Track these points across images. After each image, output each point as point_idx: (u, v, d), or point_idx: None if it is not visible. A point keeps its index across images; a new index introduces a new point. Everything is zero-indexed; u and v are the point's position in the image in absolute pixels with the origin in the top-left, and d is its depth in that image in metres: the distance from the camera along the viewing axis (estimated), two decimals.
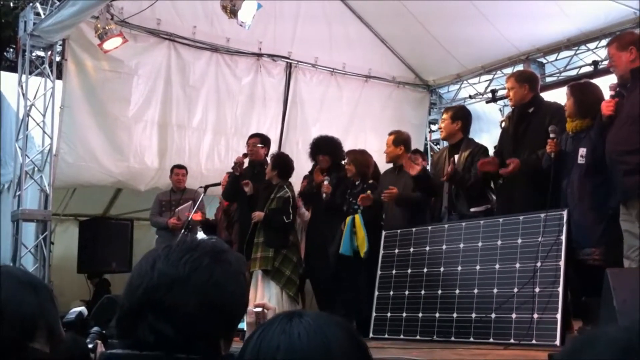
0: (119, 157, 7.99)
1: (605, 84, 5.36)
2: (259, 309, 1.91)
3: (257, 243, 6.79)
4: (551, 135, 5.19)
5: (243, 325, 1.77)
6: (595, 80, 5.82)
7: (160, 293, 1.37)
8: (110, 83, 7.91)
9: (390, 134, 6.82)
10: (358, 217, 6.60)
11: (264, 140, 7.61)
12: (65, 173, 7.59)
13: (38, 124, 7.46)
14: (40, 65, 7.61)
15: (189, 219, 7.45)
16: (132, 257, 9.36)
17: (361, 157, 7.00)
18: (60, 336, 1.82)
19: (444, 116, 6.44)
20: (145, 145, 8.20)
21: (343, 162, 7.15)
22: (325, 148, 7.35)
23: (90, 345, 2.23)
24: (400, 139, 6.73)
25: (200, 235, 7.96)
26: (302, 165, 7.77)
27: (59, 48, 7.87)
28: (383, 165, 7.28)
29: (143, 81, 8.16)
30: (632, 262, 4.52)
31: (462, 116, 6.33)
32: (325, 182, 6.96)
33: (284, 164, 7.04)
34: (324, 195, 6.94)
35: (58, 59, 8.06)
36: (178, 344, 1.34)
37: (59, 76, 7.79)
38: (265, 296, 6.60)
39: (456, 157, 6.15)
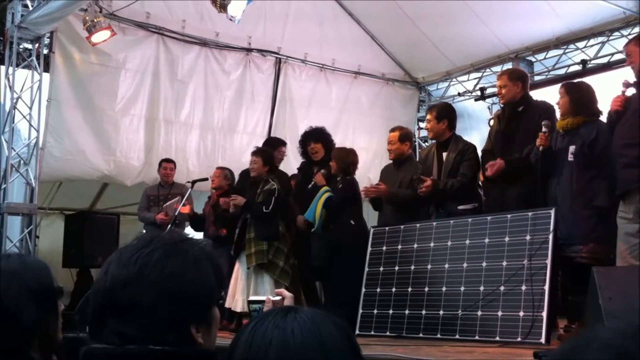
0: (105, 152, 7.92)
1: (592, 83, 5.40)
2: (278, 298, 1.89)
3: (248, 239, 6.71)
4: (543, 129, 5.20)
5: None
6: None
7: (115, 296, 1.36)
8: (98, 76, 7.84)
9: (393, 130, 6.80)
10: (326, 195, 6.67)
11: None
12: (51, 166, 7.53)
13: (25, 117, 7.37)
14: (28, 57, 7.53)
15: (177, 211, 7.40)
16: None
17: (343, 154, 6.98)
18: (56, 343, 1.82)
19: (428, 117, 6.40)
20: (132, 140, 8.13)
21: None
22: (319, 136, 7.30)
23: None
24: (405, 136, 6.78)
25: (188, 230, 7.91)
26: (290, 161, 7.74)
27: (46, 40, 7.78)
28: (369, 162, 7.27)
29: (131, 75, 8.09)
30: (627, 260, 4.50)
31: (446, 114, 6.30)
32: (323, 172, 6.89)
33: (271, 158, 7.02)
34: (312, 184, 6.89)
35: (46, 51, 7.97)
36: (143, 341, 1.33)
37: (47, 69, 7.70)
38: (260, 293, 6.56)
39: (444, 154, 6.16)
